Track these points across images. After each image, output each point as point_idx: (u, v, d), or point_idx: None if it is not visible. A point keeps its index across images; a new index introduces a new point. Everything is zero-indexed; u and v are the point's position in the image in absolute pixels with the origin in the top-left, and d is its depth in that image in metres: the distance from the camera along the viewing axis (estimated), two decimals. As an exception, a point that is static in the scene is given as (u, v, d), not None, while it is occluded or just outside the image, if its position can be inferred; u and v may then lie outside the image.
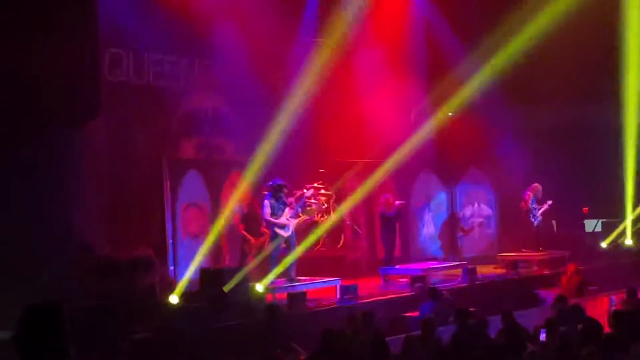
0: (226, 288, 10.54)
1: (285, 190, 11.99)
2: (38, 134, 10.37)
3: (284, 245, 11.87)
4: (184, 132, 13.90)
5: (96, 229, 11.32)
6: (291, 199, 12.50)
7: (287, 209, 11.83)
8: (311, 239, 13.17)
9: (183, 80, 13.67)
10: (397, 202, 14.51)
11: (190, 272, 11.44)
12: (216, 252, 13.57)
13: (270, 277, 11.49)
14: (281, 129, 13.23)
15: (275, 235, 11.77)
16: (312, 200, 14.23)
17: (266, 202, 11.75)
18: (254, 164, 12.68)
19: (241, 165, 14.42)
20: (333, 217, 14.70)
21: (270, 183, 11.86)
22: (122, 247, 11.34)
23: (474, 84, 15.76)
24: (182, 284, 10.95)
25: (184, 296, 10.55)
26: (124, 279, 10.49)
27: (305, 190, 13.08)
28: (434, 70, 16.56)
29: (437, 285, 12.09)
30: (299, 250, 12.09)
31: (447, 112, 16.54)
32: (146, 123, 12.77)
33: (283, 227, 11.73)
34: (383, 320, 10.49)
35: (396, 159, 14.74)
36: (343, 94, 15.31)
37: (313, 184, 14.37)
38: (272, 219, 11.69)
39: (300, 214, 13.60)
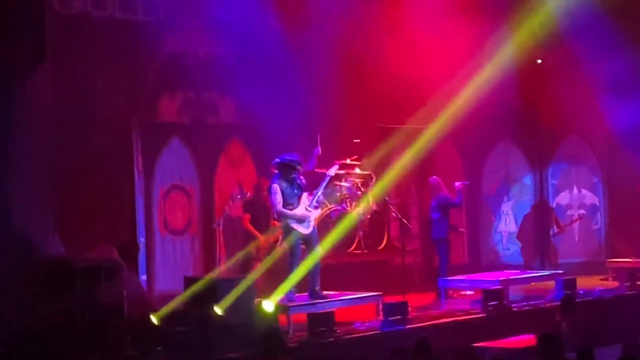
0: (221, 306, 10.68)
1: (300, 168, 12.05)
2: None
3: (302, 246, 11.98)
4: (164, 85, 14.02)
5: (42, 223, 11.49)
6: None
7: (304, 195, 11.92)
8: (340, 237, 13.23)
9: (162, 12, 13.75)
10: (456, 184, 14.49)
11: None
12: (208, 253, 13.74)
13: (284, 290, 11.60)
14: (302, 82, 13.29)
15: (289, 233, 11.89)
16: (343, 183, 14.32)
17: (275, 185, 11.81)
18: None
19: (244, 132, 14.56)
20: (372, 207, 14.77)
21: (278, 159, 11.89)
22: (76, 247, 11.51)
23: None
24: (172, 303, 11.01)
25: (164, 317, 10.69)
26: (79, 291, 10.66)
27: (332, 169, 13.08)
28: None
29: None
30: (323, 254, 12.17)
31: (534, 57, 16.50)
32: (110, 73, 12.89)
33: (301, 221, 11.83)
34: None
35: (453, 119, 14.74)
36: (389, 32, 15.27)
37: (344, 159, 14.42)
38: (285, 210, 11.78)
39: (327, 203, 13.69)
